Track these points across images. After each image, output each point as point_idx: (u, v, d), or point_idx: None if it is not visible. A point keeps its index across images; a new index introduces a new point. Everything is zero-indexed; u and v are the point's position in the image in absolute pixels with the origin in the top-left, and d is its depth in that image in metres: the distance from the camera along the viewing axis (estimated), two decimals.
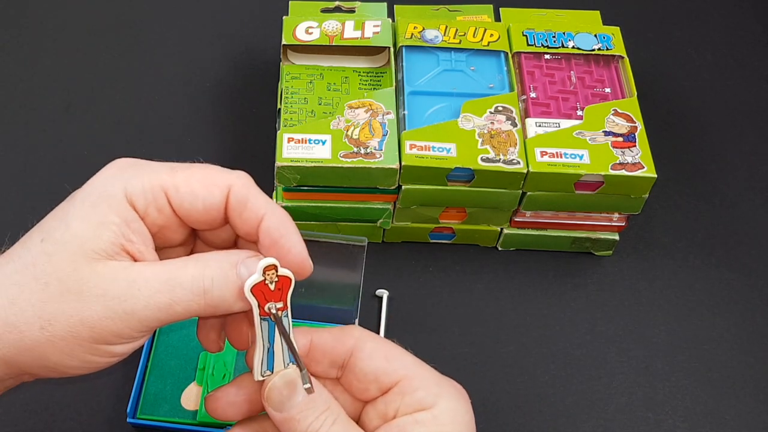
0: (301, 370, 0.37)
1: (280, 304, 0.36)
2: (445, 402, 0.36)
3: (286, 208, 0.60)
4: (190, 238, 0.39)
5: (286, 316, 0.36)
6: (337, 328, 0.38)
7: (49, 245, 0.34)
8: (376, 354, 0.37)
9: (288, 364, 0.37)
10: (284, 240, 0.36)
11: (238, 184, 0.36)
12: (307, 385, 0.36)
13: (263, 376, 0.37)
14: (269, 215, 0.36)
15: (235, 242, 0.40)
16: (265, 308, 0.36)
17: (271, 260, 0.35)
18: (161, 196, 0.35)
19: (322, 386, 0.37)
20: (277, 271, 0.35)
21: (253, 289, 0.35)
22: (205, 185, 0.36)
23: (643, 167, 0.58)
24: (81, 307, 0.34)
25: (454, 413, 0.36)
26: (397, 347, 0.38)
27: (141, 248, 0.35)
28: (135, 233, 0.35)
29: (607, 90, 0.63)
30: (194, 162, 0.38)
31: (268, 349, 0.37)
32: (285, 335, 0.36)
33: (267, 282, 0.35)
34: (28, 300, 0.34)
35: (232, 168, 0.38)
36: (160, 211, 0.36)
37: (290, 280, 0.36)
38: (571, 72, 0.64)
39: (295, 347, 0.37)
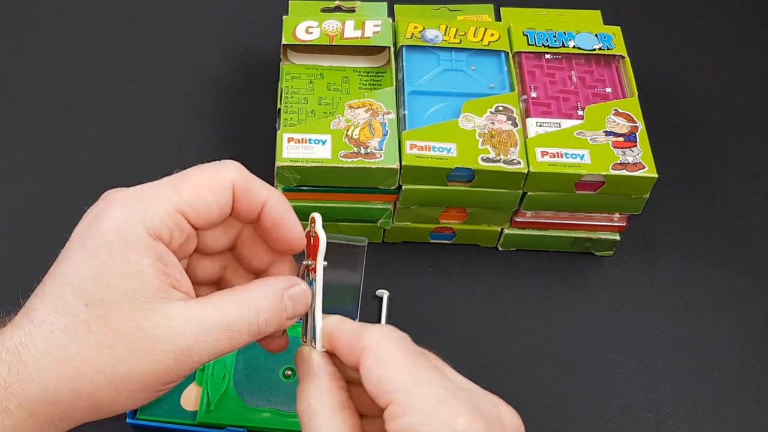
0: (306, 343, 0.39)
1: (310, 261, 0.39)
2: None
3: None
4: (195, 238, 0.40)
5: (312, 282, 0.39)
6: (358, 329, 0.37)
7: (98, 308, 0.34)
8: (371, 373, 0.35)
9: (307, 336, 0.39)
10: (284, 221, 0.39)
11: (238, 177, 0.38)
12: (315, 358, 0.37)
13: (303, 342, 0.40)
14: (270, 199, 0.38)
15: (234, 244, 0.41)
16: (303, 263, 0.39)
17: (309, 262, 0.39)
18: (179, 219, 0.36)
19: (327, 374, 0.37)
20: (314, 226, 0.39)
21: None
22: (213, 191, 0.37)
23: (644, 167, 0.58)
24: (152, 362, 0.34)
25: None
26: (398, 364, 0.35)
27: (176, 273, 0.36)
28: (169, 266, 0.36)
29: (608, 90, 0.63)
30: (176, 170, 0.38)
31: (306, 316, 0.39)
32: (315, 302, 0.39)
33: (310, 234, 0.39)
34: (96, 367, 0.34)
35: None
36: (182, 231, 0.37)
37: (319, 240, 0.38)
38: (572, 72, 0.64)
39: (314, 319, 0.39)
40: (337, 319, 0.38)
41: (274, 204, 0.39)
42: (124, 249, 0.35)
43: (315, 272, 0.39)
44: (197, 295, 0.38)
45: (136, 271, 0.34)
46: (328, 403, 0.36)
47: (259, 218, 0.39)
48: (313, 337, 0.38)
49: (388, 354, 0.35)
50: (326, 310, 0.56)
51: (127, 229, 0.35)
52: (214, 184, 0.37)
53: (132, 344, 0.34)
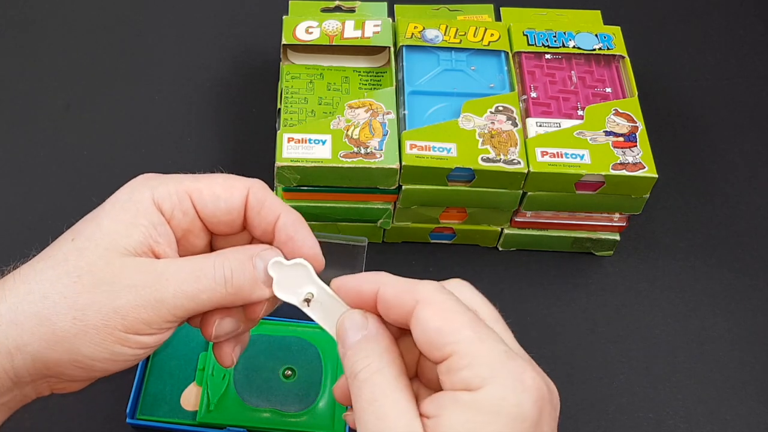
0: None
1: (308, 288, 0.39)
2: (493, 388, 0.32)
3: None
4: (209, 247, 0.41)
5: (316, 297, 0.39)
6: (407, 283, 0.36)
7: (80, 242, 0.37)
8: (429, 324, 0.34)
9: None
10: (298, 236, 0.39)
11: (256, 186, 0.39)
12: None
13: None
14: (285, 214, 0.39)
15: None
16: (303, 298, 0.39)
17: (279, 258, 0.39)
18: (186, 199, 0.38)
19: (384, 336, 0.36)
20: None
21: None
22: (226, 188, 0.39)
23: (644, 167, 0.58)
24: (113, 297, 0.36)
25: (500, 402, 0.32)
26: (461, 317, 0.34)
27: (166, 249, 0.38)
28: (162, 236, 0.38)
29: (608, 90, 0.63)
30: (214, 172, 0.41)
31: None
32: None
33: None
34: (60, 293, 0.35)
35: (233, 170, 0.41)
36: (185, 213, 0.38)
37: (305, 266, 0.39)
38: (572, 72, 0.64)
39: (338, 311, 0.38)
40: (383, 275, 0.37)
41: (289, 219, 0.39)
42: (127, 204, 0.37)
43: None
44: None
45: (128, 222, 0.37)
46: (392, 365, 0.35)
47: (274, 233, 0.40)
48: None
49: (447, 307, 0.34)
50: None
51: (137, 192, 0.38)
52: (229, 184, 0.39)
53: (97, 277, 0.36)
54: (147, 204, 0.38)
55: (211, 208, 0.39)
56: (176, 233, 0.39)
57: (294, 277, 0.39)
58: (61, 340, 0.35)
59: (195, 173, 0.40)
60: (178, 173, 0.40)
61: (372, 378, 0.34)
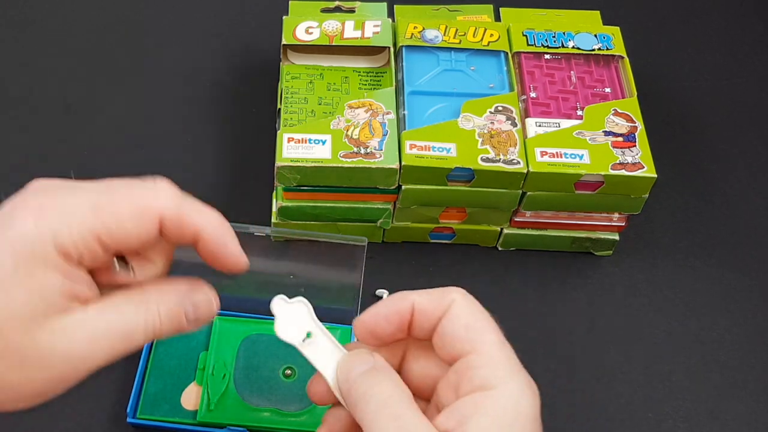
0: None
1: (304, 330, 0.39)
2: (509, 387, 0.34)
3: (286, 208, 0.60)
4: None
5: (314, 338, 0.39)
6: (437, 290, 0.38)
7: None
8: (459, 320, 0.37)
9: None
10: (221, 249, 0.37)
11: (168, 207, 0.36)
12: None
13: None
14: (204, 228, 0.37)
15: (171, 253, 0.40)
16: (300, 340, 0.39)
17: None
18: (93, 243, 0.34)
19: (392, 370, 0.37)
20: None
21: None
22: (136, 222, 0.35)
23: (643, 167, 0.58)
24: (45, 372, 0.34)
25: (517, 400, 0.34)
26: (487, 323, 0.37)
27: (86, 291, 0.35)
28: (76, 282, 0.35)
29: (607, 90, 0.63)
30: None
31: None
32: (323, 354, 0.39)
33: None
34: None
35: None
36: (94, 257, 0.35)
37: (306, 305, 0.40)
38: (571, 72, 0.64)
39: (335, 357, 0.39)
40: (403, 295, 0.39)
41: (209, 233, 0.37)
42: (31, 264, 0.33)
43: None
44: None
45: (39, 287, 0.33)
46: (405, 391, 0.36)
47: (196, 244, 0.37)
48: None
49: (476, 310, 0.37)
50: (325, 310, 0.56)
51: (38, 244, 0.33)
52: (138, 214, 0.35)
53: (20, 354, 0.33)
54: (52, 257, 0.33)
55: (124, 244, 0.35)
56: (90, 270, 0.36)
57: (294, 315, 0.39)
58: None
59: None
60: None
61: (390, 400, 0.35)
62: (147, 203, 0.35)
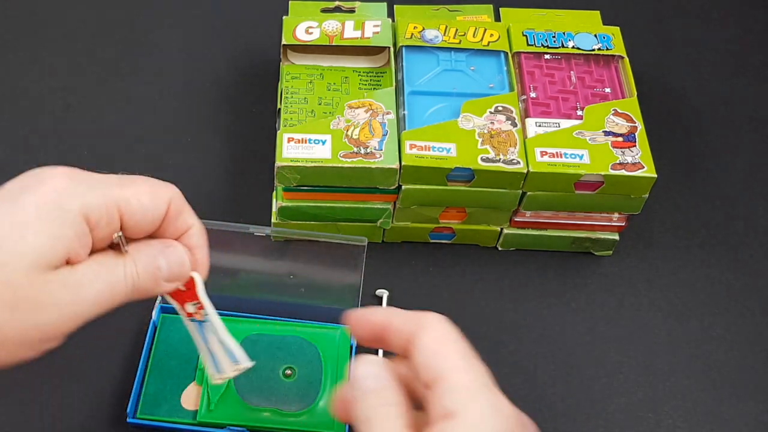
0: (237, 363, 0.43)
1: (195, 302, 0.42)
2: (469, 414, 0.34)
3: (286, 208, 0.60)
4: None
5: (207, 315, 0.43)
6: (414, 313, 0.38)
7: (3, 254, 0.35)
8: (428, 348, 0.36)
9: (234, 363, 0.43)
10: (200, 249, 0.42)
11: (176, 197, 0.41)
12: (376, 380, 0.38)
13: (220, 378, 0.43)
14: (195, 227, 0.42)
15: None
16: (185, 308, 0.42)
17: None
18: (114, 212, 0.38)
19: (398, 391, 0.37)
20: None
21: (171, 295, 0.42)
22: (153, 198, 0.40)
23: (643, 167, 0.58)
24: (35, 314, 0.36)
25: (477, 426, 0.34)
26: (454, 347, 0.36)
27: (81, 253, 0.38)
28: (82, 246, 0.37)
29: (607, 90, 0.63)
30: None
31: (209, 350, 0.43)
32: (217, 332, 0.42)
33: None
34: None
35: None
36: (110, 224, 0.38)
37: (193, 279, 0.42)
38: (571, 72, 0.64)
39: (230, 343, 0.42)
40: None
41: (197, 232, 0.42)
42: (55, 214, 0.36)
43: (203, 308, 0.43)
44: None
45: (54, 236, 0.36)
46: (405, 416, 0.36)
47: (181, 240, 0.42)
48: (235, 360, 0.43)
49: (445, 335, 0.37)
50: (326, 310, 0.56)
51: (66, 200, 0.37)
52: (154, 193, 0.40)
53: (19, 294, 0.35)
54: (75, 215, 0.37)
55: (137, 218, 0.39)
56: (94, 240, 0.38)
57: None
58: None
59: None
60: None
61: (388, 424, 0.35)
62: (161, 186, 0.40)
